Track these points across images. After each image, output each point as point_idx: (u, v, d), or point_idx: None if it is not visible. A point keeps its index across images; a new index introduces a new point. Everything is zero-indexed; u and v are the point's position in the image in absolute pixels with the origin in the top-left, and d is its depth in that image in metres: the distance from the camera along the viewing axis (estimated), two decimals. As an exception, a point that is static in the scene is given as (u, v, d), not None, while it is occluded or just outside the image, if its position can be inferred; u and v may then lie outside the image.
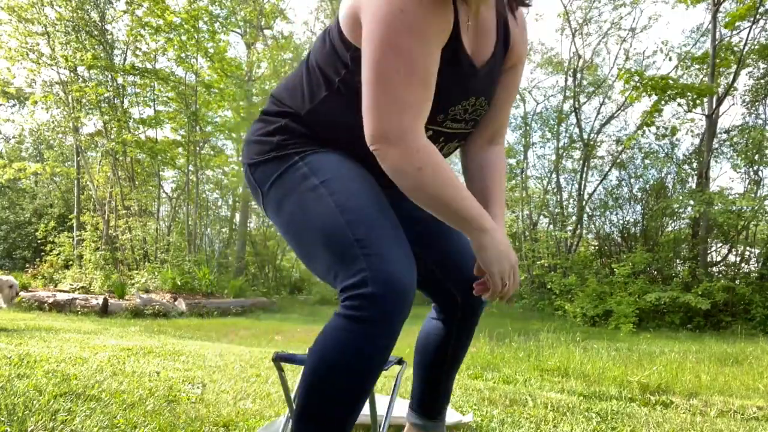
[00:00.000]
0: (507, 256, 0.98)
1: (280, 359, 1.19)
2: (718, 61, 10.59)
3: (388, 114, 0.88)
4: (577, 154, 14.52)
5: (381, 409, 1.36)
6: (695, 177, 11.65)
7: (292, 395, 1.39)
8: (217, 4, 13.25)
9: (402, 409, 1.59)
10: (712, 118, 10.71)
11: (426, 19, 0.88)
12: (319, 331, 0.94)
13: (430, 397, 1.34)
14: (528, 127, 15.37)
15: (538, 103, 15.93)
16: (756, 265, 10.63)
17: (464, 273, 1.19)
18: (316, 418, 0.92)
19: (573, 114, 14.09)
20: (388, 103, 0.88)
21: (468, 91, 1.04)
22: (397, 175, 0.92)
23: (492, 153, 1.17)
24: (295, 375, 2.50)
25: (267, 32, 14.78)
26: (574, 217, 13.54)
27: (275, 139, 1.08)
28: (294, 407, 1.45)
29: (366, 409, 1.79)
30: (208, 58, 13.30)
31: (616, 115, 14.14)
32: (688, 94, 10.48)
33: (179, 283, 10.33)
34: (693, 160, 12.27)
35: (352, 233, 0.93)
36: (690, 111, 11.35)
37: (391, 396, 1.27)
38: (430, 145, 0.91)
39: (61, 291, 9.68)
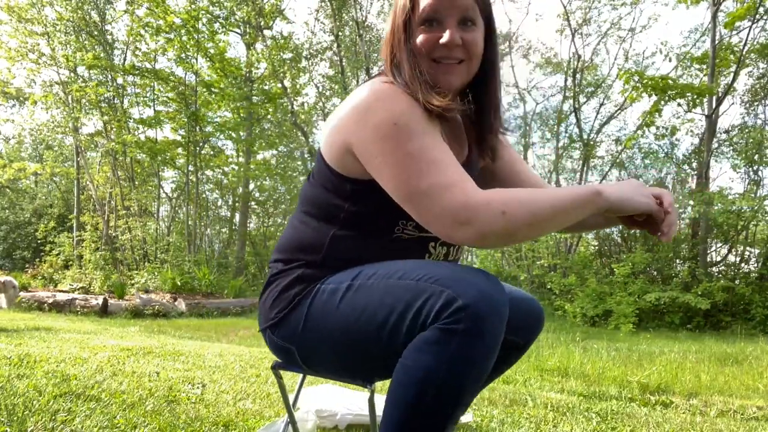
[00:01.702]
0: (635, 187, 0.92)
1: (279, 367, 1.18)
2: (717, 61, 10.59)
3: (441, 207, 0.86)
4: (576, 154, 14.54)
5: (381, 410, 1.36)
6: (695, 177, 11.66)
7: (291, 400, 1.39)
8: (216, 4, 13.25)
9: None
10: (711, 118, 10.71)
11: (420, 119, 0.93)
12: (407, 348, 0.86)
13: None
14: (528, 127, 15.40)
15: (537, 103, 16.03)
16: (756, 265, 10.62)
17: (520, 313, 1.16)
18: None
19: (573, 114, 14.09)
20: (435, 201, 0.87)
21: None
22: (495, 237, 0.85)
23: None
24: (294, 377, 2.50)
25: (267, 32, 14.78)
26: (573, 217, 13.52)
27: (295, 290, 1.04)
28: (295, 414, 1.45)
29: (365, 410, 1.79)
30: (208, 59, 13.30)
31: (615, 115, 14.17)
32: (688, 94, 10.48)
33: (179, 283, 10.33)
34: (693, 160, 12.28)
35: (411, 279, 0.88)
36: (690, 111, 11.35)
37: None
38: (487, 191, 0.87)
39: (60, 291, 9.68)
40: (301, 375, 1.43)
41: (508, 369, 1.27)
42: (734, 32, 10.47)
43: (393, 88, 0.96)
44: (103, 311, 7.99)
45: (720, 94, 10.57)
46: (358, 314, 0.93)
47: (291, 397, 1.48)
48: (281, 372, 1.19)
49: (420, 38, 0.99)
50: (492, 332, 0.83)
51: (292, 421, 1.35)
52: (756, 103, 12.40)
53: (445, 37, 0.97)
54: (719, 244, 11.28)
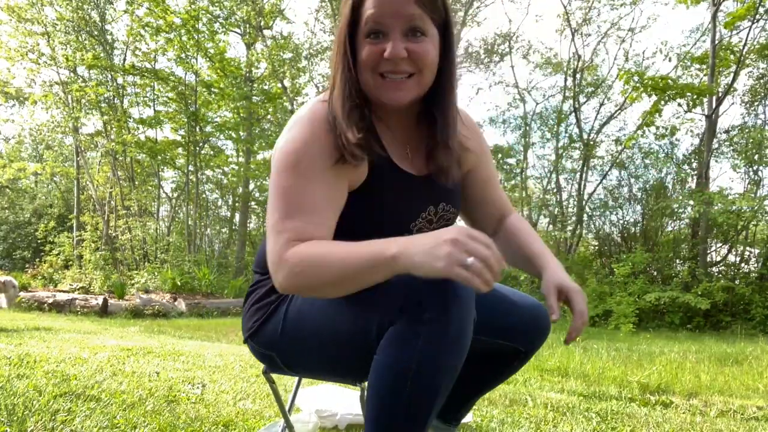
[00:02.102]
0: (436, 245, 0.76)
1: (270, 371, 1.18)
2: (717, 61, 10.59)
3: (268, 250, 0.91)
4: (576, 154, 14.52)
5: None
6: (695, 177, 11.66)
7: (287, 407, 1.39)
8: (216, 4, 13.26)
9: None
10: (711, 118, 10.70)
11: (314, 157, 0.92)
12: (380, 346, 0.87)
13: (456, 405, 1.28)
14: (528, 127, 15.37)
15: (537, 103, 15.94)
16: (756, 265, 10.63)
17: (524, 320, 1.13)
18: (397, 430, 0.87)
19: (572, 114, 14.08)
20: (268, 242, 0.91)
21: (420, 200, 1.04)
22: (297, 292, 0.91)
23: (507, 226, 1.19)
24: (292, 378, 2.49)
25: (266, 32, 14.78)
26: (573, 217, 13.54)
27: (271, 298, 1.06)
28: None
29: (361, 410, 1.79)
30: (207, 59, 13.30)
31: (615, 115, 14.15)
32: (688, 94, 10.48)
33: (179, 283, 10.33)
34: (693, 160, 12.27)
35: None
36: (690, 111, 11.35)
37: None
38: (301, 246, 0.87)
39: (60, 291, 9.67)
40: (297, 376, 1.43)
41: (510, 375, 1.26)
42: (734, 32, 10.47)
43: (318, 112, 0.95)
44: (103, 311, 7.98)
45: (720, 94, 10.57)
46: (330, 316, 0.95)
47: (290, 397, 1.48)
48: (274, 376, 1.19)
49: (365, 52, 0.93)
50: (458, 317, 0.83)
51: (288, 424, 1.35)
52: (756, 103, 12.40)
53: (388, 50, 0.91)
54: (719, 244, 11.28)
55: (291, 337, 1.01)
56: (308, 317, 0.98)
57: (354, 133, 0.92)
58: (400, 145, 1.05)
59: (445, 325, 0.82)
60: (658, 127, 12.17)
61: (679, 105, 11.26)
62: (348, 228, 0.97)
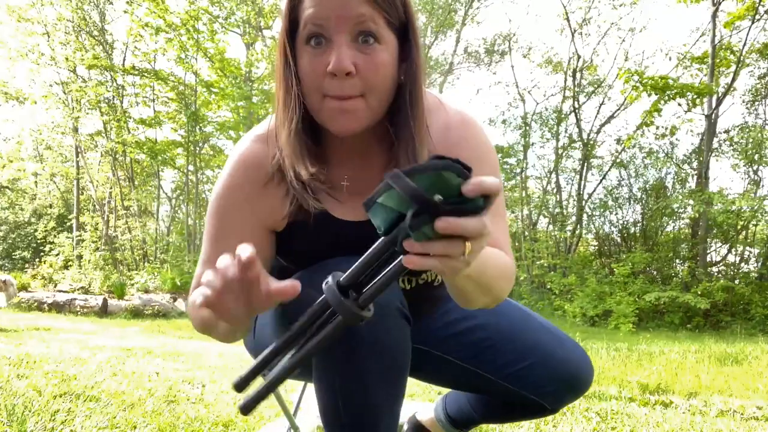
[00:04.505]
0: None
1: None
2: (717, 60, 10.59)
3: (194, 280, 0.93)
4: (576, 154, 14.52)
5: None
6: (695, 177, 11.66)
7: (292, 410, 1.39)
8: (216, 4, 13.26)
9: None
10: (711, 118, 10.71)
11: (236, 207, 0.87)
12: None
13: (471, 422, 1.25)
14: (527, 127, 15.37)
15: (537, 103, 15.91)
16: (755, 264, 10.64)
17: (551, 373, 1.02)
18: None
19: (572, 114, 14.09)
20: (196, 275, 0.92)
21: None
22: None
23: None
24: (288, 381, 2.49)
25: (266, 32, 14.79)
26: (573, 217, 13.54)
27: None
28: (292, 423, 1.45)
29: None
30: (207, 59, 13.31)
31: (615, 114, 14.15)
32: (688, 93, 10.49)
33: (179, 283, 10.33)
34: (693, 159, 12.28)
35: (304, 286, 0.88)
36: (690, 111, 11.35)
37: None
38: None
39: (60, 291, 9.67)
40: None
41: (531, 420, 1.23)
42: (734, 32, 10.47)
43: (247, 157, 0.87)
44: (103, 311, 7.99)
45: (720, 94, 10.57)
46: (272, 327, 0.94)
47: (295, 398, 1.48)
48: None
49: (304, 62, 0.76)
50: (372, 333, 0.76)
51: (292, 425, 1.35)
52: (756, 103, 12.40)
53: (332, 62, 0.72)
54: (719, 244, 11.29)
55: (258, 346, 1.03)
56: (263, 329, 0.99)
57: (307, 167, 0.80)
58: (342, 178, 0.89)
59: (358, 342, 0.76)
60: (658, 127, 12.18)
61: (679, 105, 11.26)
62: (304, 261, 0.91)
